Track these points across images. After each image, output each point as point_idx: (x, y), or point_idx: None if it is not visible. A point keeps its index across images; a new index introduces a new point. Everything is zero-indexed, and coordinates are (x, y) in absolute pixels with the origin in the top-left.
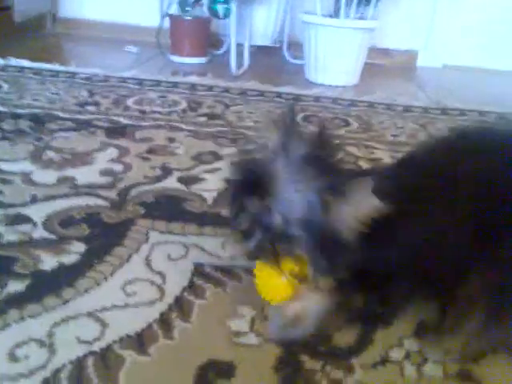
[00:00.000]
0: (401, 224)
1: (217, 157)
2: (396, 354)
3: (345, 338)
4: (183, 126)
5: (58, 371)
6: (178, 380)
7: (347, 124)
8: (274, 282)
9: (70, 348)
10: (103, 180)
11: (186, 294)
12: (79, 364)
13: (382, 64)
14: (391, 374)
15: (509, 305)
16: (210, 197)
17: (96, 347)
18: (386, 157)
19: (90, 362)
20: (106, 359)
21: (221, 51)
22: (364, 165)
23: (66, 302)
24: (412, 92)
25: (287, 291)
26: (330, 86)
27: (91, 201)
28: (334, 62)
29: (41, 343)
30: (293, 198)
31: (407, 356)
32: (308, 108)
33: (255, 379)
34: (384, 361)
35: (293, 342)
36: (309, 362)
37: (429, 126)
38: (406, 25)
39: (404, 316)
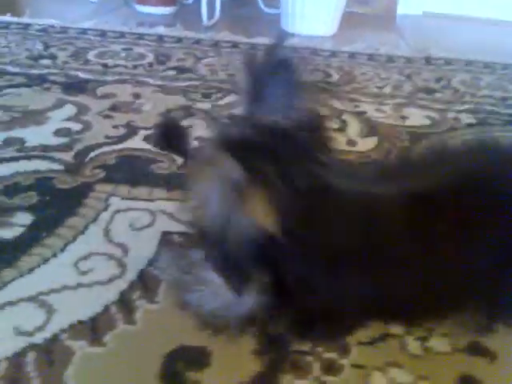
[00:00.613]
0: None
1: (188, 113)
2: (396, 328)
3: None
4: (150, 81)
5: None
6: (139, 373)
7: (328, 76)
8: None
9: (6, 341)
10: (58, 141)
11: (151, 268)
12: (16, 360)
13: (361, 13)
14: (392, 352)
15: None
16: None
17: (38, 339)
18: (372, 110)
19: (30, 357)
20: (51, 353)
21: (190, 0)
22: (349, 119)
23: (4, 284)
24: (393, 41)
25: None
26: (307, 36)
27: (42, 165)
28: (311, 10)
29: None
30: None
31: (409, 330)
32: None
33: (234, 367)
34: (383, 336)
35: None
36: (296, 343)
37: (414, 77)
38: None
39: None
